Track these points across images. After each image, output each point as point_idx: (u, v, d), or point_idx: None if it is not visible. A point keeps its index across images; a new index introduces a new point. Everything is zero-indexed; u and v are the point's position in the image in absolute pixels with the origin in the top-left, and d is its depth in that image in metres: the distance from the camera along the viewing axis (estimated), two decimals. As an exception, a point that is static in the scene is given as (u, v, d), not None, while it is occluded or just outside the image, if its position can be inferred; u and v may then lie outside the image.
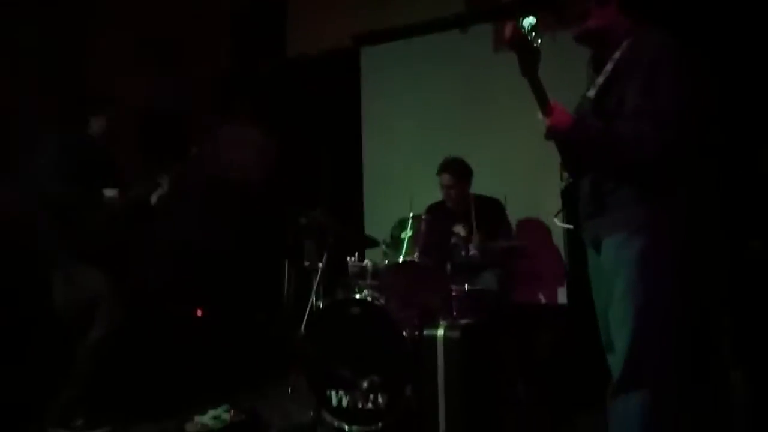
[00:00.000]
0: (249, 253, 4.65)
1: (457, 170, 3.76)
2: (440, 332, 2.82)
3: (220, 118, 4.81)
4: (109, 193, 3.04)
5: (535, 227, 4.05)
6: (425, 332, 2.85)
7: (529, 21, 1.83)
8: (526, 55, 1.84)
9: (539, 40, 1.84)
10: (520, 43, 1.82)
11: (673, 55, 1.92)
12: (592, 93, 2.03)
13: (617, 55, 2.00)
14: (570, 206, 2.16)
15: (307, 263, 3.61)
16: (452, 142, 4.17)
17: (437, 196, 3.88)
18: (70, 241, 2.95)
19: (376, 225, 4.25)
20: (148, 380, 3.31)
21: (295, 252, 4.09)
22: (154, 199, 3.19)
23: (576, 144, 1.97)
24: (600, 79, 2.02)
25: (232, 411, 3.04)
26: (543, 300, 4.06)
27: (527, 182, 3.99)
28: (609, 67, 2.01)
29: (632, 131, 1.85)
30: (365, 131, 4.73)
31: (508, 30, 1.83)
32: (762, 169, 3.14)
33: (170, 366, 3.44)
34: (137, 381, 3.26)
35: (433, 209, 3.84)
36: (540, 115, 1.94)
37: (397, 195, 4.29)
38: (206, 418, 3.00)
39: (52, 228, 2.96)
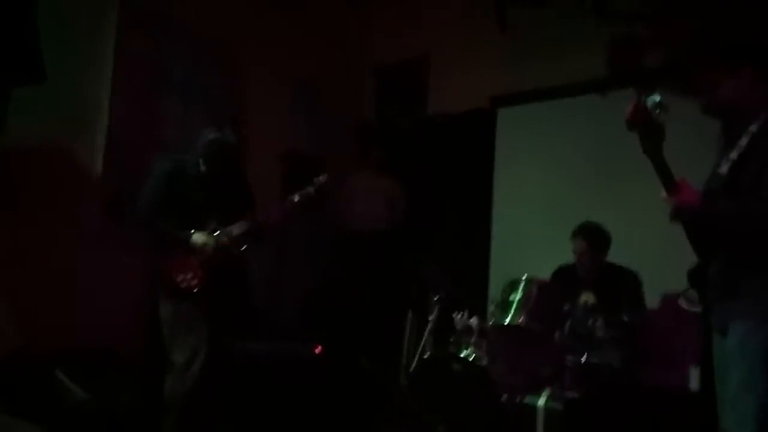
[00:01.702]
0: (374, 301, 4.77)
1: (592, 236, 3.60)
2: (541, 402, 2.72)
3: (357, 167, 5.09)
4: (198, 238, 3.05)
5: (672, 304, 3.77)
6: (526, 400, 2.76)
7: (653, 99, 1.80)
8: (649, 133, 1.80)
9: (663, 118, 1.80)
10: (641, 122, 1.79)
11: None
12: (724, 169, 1.91)
13: (753, 128, 1.88)
14: (698, 288, 2.05)
15: (430, 317, 3.63)
16: (583, 207, 4.05)
17: (566, 257, 3.75)
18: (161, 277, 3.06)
19: (502, 282, 4.20)
20: (258, 408, 3.48)
21: (418, 304, 4.14)
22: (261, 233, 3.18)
23: (705, 224, 1.87)
24: (734, 155, 1.90)
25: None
26: (674, 383, 3.72)
27: (662, 257, 3.74)
28: (744, 141, 1.89)
29: None
30: (497, 191, 4.73)
31: (629, 109, 1.80)
32: None
33: (282, 398, 3.60)
34: (246, 408, 3.44)
35: (561, 272, 3.72)
36: (664, 195, 1.87)
37: (525, 256, 4.26)
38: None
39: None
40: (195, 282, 3.03)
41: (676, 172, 1.94)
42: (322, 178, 3.24)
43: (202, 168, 3.15)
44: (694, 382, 3.64)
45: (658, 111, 1.77)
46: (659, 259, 3.73)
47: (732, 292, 1.84)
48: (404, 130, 5.19)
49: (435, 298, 3.50)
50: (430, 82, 5.18)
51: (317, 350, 3.91)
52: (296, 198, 3.16)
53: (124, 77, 3.91)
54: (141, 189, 3.20)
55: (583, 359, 3.02)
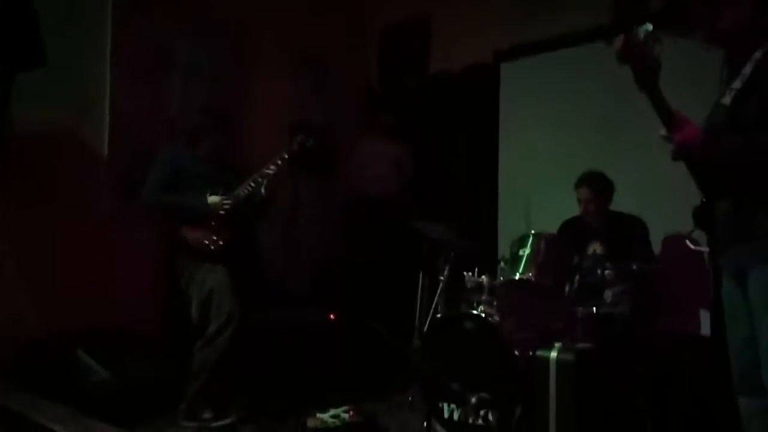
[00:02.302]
0: (385, 265, 4.81)
1: (596, 184, 3.59)
2: (553, 354, 2.74)
3: (364, 132, 5.07)
4: (214, 198, 3.22)
5: (682, 248, 3.75)
6: (538, 353, 2.79)
7: (645, 28, 1.68)
8: (642, 67, 1.69)
9: (658, 49, 1.70)
10: (634, 55, 1.67)
11: None
12: (727, 100, 1.81)
13: (758, 54, 1.76)
14: (705, 228, 1.99)
15: (441, 277, 3.68)
16: (591, 157, 4.00)
17: (573, 212, 3.75)
18: (187, 245, 3.20)
19: (510, 240, 4.21)
20: (275, 376, 3.56)
21: (429, 265, 4.18)
22: (263, 191, 3.28)
23: (710, 162, 1.77)
24: (737, 84, 1.80)
25: (351, 412, 3.18)
26: (687, 329, 3.73)
27: (672, 200, 3.70)
28: (747, 69, 1.78)
29: None
30: (502, 146, 4.69)
31: (618, 42, 1.67)
32: None
33: (299, 364, 3.67)
34: (263, 376, 3.52)
35: (568, 225, 3.72)
36: (664, 132, 1.78)
37: (534, 210, 4.25)
38: (326, 416, 3.17)
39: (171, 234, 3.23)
40: (221, 244, 3.19)
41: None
42: (300, 137, 3.35)
43: (197, 148, 3.37)
44: (705, 326, 3.64)
45: (650, 41, 1.66)
46: (666, 203, 3.70)
47: (745, 232, 1.76)
48: (409, 92, 5.13)
49: (444, 258, 3.52)
50: (432, 42, 5.10)
51: (331, 317, 3.98)
52: (278, 160, 3.28)
53: (125, 56, 3.91)
54: (148, 168, 3.27)
55: (594, 310, 3.03)
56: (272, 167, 3.26)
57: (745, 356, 1.79)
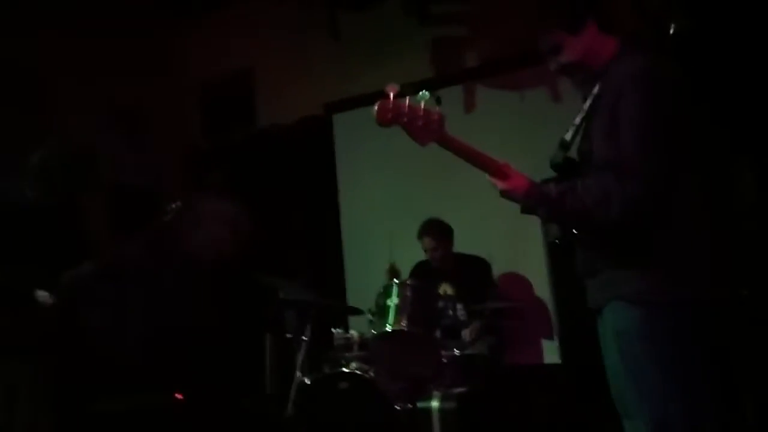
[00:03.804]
0: (228, 329, 4.48)
1: (437, 231, 3.74)
2: (435, 404, 2.70)
3: (192, 193, 4.74)
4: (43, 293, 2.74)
5: (518, 282, 4.00)
6: (419, 404, 2.72)
7: (422, 95, 1.72)
8: (414, 125, 1.69)
9: (437, 107, 1.72)
10: (393, 120, 1.67)
11: (638, 83, 1.65)
12: (568, 135, 1.83)
13: (595, 90, 1.78)
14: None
15: (289, 335, 3.48)
16: (431, 203, 4.15)
17: (419, 257, 3.82)
18: None
19: (359, 292, 4.16)
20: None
21: (275, 325, 3.96)
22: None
23: (536, 209, 1.78)
24: (577, 119, 1.82)
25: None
26: (537, 360, 3.94)
27: (508, 239, 3.96)
28: (587, 104, 1.80)
29: (596, 190, 1.64)
30: (342, 197, 4.68)
31: (375, 111, 1.67)
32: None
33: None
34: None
35: (418, 269, 3.80)
36: (488, 177, 1.79)
37: (379, 260, 4.24)
38: None
39: None
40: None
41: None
42: (175, 205, 3.10)
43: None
44: (549, 356, 3.87)
45: (423, 102, 1.69)
46: (508, 241, 3.95)
47: (591, 270, 1.78)
48: (237, 147, 4.93)
49: (304, 316, 3.34)
50: (259, 95, 4.97)
51: (177, 397, 3.56)
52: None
53: None
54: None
55: (456, 352, 3.07)
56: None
57: (614, 384, 1.79)
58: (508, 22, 4.00)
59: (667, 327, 1.63)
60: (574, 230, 1.80)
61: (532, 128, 3.97)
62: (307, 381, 2.96)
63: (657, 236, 1.66)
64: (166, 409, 3.40)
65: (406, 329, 2.89)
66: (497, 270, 3.86)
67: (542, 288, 3.94)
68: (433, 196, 4.25)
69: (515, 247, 4.01)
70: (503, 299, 3.62)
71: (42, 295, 2.71)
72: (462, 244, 3.82)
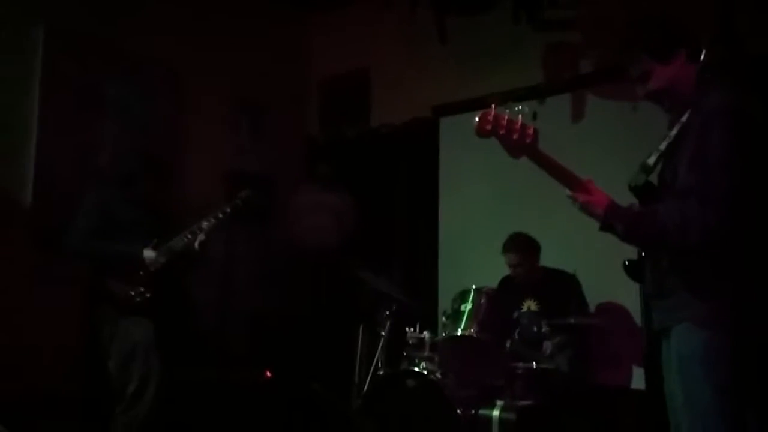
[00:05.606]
0: (324, 318, 4.71)
1: (520, 247, 3.65)
2: (495, 413, 2.72)
3: (303, 183, 5.03)
4: (150, 253, 3.08)
5: (615, 307, 3.84)
6: (480, 411, 2.76)
7: (521, 109, 1.79)
8: (510, 139, 1.78)
9: (533, 122, 1.79)
10: (492, 131, 1.76)
11: (727, 117, 1.71)
12: (651, 160, 1.89)
13: (684, 118, 1.83)
14: (636, 280, 2.02)
15: (382, 332, 3.60)
16: (528, 212, 4.10)
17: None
18: (112, 296, 3.03)
19: (450, 294, 4.21)
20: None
21: (369, 319, 4.10)
22: (196, 246, 3.15)
23: (615, 226, 1.83)
24: (663, 145, 1.88)
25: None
26: (623, 384, 3.78)
27: (605, 258, 3.81)
28: (674, 132, 1.86)
29: (676, 214, 1.70)
30: (442, 200, 4.74)
31: (476, 122, 1.77)
32: None
33: (233, 426, 3.50)
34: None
35: (502, 285, 3.74)
36: (569, 192, 1.86)
37: (473, 265, 4.28)
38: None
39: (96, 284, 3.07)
40: (148, 296, 3.04)
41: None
42: (245, 193, 3.28)
43: (129, 193, 3.25)
44: (637, 381, 3.69)
45: (520, 118, 1.77)
46: (605, 261, 3.79)
47: (662, 291, 1.82)
48: (349, 143, 5.15)
49: (386, 313, 3.47)
50: (373, 95, 5.15)
51: (267, 375, 3.83)
52: (219, 214, 3.20)
53: (53, 102, 3.75)
54: (74, 217, 3.12)
55: (533, 365, 3.05)
56: (212, 220, 3.16)
57: (671, 406, 1.83)
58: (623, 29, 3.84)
59: (727, 351, 1.69)
60: (644, 251, 1.88)
61: (640, 142, 3.79)
62: (377, 375, 3.08)
63: (728, 263, 1.72)
64: (255, 384, 3.69)
65: (475, 335, 2.93)
66: (592, 293, 3.73)
67: (638, 314, 3.76)
68: (531, 207, 4.17)
69: (612, 269, 3.85)
70: (592, 317, 3.52)
71: (149, 253, 3.08)
72: (553, 260, 3.73)
